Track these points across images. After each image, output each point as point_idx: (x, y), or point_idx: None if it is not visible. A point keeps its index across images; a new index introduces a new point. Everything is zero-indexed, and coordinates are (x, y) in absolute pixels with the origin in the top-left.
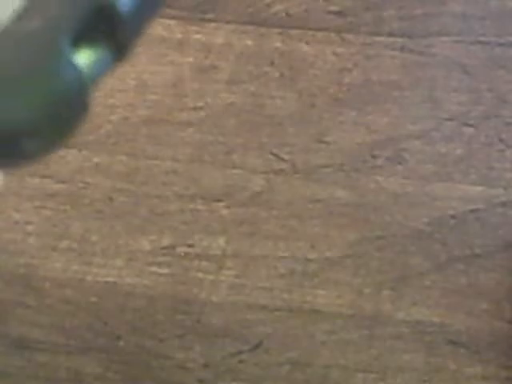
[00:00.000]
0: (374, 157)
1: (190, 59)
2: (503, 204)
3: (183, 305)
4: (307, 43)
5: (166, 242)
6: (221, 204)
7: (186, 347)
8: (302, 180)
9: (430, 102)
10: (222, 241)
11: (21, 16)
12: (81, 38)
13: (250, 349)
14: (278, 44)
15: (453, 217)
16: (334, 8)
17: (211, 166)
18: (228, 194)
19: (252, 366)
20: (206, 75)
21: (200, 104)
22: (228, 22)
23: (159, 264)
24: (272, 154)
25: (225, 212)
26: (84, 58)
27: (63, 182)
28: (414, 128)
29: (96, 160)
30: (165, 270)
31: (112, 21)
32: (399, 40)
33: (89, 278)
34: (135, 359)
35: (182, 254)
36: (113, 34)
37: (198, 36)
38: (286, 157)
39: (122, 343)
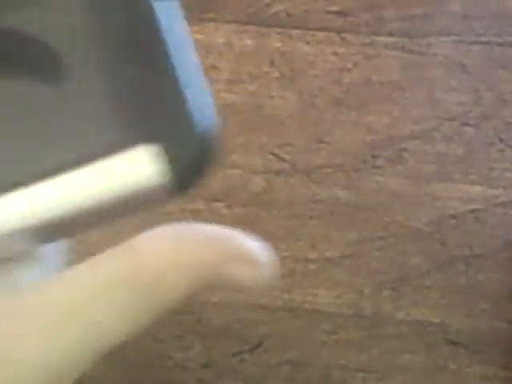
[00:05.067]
0: (374, 157)
1: None
2: (503, 204)
3: (183, 305)
4: (307, 43)
5: None
6: (221, 204)
7: (185, 347)
8: (302, 180)
9: (429, 102)
10: None
11: None
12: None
13: (250, 349)
14: (278, 44)
15: (453, 217)
16: (334, 8)
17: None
18: (228, 194)
19: (252, 365)
20: (206, 75)
21: None
22: (228, 22)
23: None
24: (272, 153)
25: (225, 212)
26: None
27: None
28: (414, 128)
29: None
30: None
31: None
32: (399, 40)
33: None
34: (135, 359)
35: None
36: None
37: (198, 36)
38: (286, 157)
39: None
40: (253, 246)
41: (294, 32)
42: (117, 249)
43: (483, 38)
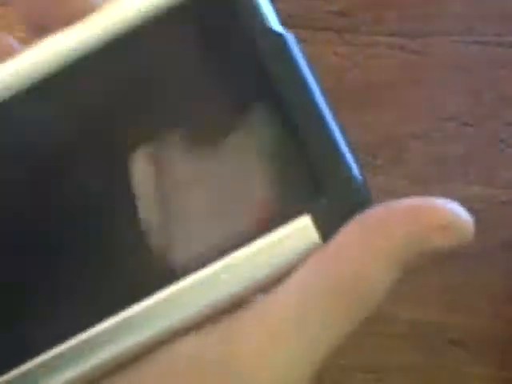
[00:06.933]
0: (374, 157)
1: None
2: (503, 204)
3: None
4: (307, 43)
5: None
6: None
7: None
8: None
9: (430, 102)
10: None
11: None
12: None
13: None
14: None
15: None
16: (334, 8)
17: None
18: None
19: None
20: None
21: None
22: None
23: None
24: None
25: None
26: None
27: None
28: (414, 128)
29: None
30: None
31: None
32: (399, 40)
33: None
34: None
35: None
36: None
37: None
38: None
39: None
40: (455, 212)
41: (295, 32)
42: (312, 258)
43: (483, 38)
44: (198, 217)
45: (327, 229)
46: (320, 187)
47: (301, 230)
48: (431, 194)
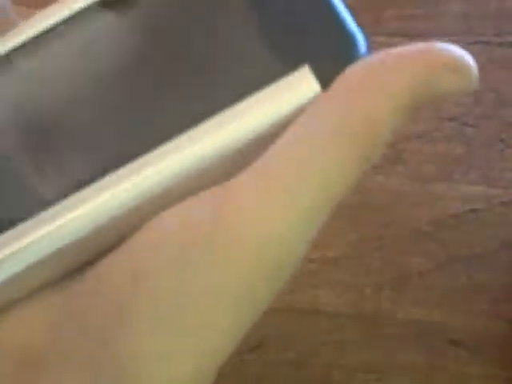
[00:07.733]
0: None
1: None
2: (503, 204)
3: None
4: None
5: None
6: None
7: None
8: None
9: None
10: None
11: None
12: None
13: (250, 349)
14: None
15: (453, 217)
16: None
17: None
18: None
19: (252, 365)
20: None
21: None
22: None
23: None
24: None
25: None
26: None
27: None
28: (413, 128)
29: None
30: None
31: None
32: (399, 40)
33: None
34: None
35: None
36: None
37: None
38: None
39: None
40: (456, 50)
41: None
42: (321, 107)
43: (483, 38)
44: (186, 78)
45: (327, 76)
46: (316, 36)
47: (300, 80)
48: (431, 193)
